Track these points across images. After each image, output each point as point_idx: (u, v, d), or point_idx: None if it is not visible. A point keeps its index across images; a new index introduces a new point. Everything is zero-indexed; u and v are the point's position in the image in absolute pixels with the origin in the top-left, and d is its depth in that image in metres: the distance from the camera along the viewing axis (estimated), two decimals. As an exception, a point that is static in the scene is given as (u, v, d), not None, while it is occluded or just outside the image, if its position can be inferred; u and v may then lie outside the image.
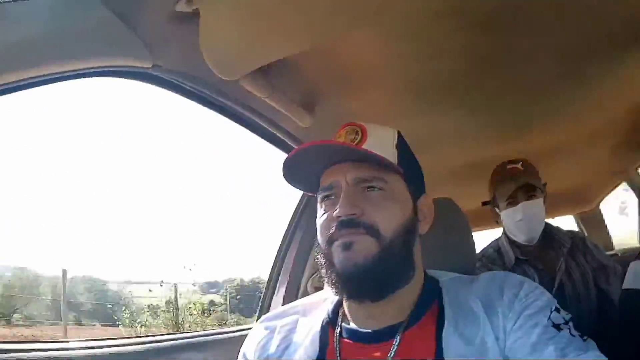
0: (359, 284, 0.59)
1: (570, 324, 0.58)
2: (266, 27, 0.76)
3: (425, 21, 0.83)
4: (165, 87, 0.81)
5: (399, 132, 0.68)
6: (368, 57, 0.95)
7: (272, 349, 0.65)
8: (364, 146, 0.61)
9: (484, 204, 1.42)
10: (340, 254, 0.59)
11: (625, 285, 1.03)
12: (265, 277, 1.38)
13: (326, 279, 0.62)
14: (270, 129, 1.02)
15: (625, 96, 1.32)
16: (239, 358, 0.70)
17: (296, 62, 0.91)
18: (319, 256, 0.64)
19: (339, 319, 0.65)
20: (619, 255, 2.09)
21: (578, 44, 0.96)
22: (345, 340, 0.62)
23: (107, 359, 0.76)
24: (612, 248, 2.32)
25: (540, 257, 1.32)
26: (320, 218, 0.63)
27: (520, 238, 1.32)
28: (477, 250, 1.11)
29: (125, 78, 0.76)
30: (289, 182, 0.66)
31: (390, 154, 0.63)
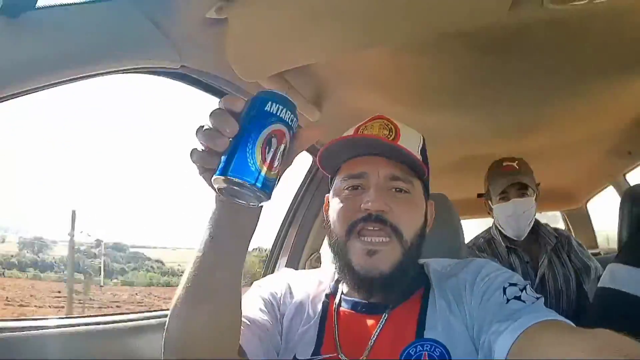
0: (381, 290, 0.63)
1: (525, 290, 0.59)
2: (288, 39, 0.82)
3: (432, 40, 0.89)
4: (190, 84, 0.88)
5: (423, 137, 0.72)
6: (377, 64, 1.01)
7: (287, 297, 0.72)
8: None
9: (479, 195, 1.51)
10: (363, 259, 0.62)
11: (601, 284, 1.05)
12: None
13: (340, 276, 0.69)
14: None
15: (619, 108, 1.38)
16: (257, 284, 0.74)
17: (311, 64, 0.97)
18: (333, 245, 0.67)
19: (339, 291, 0.71)
20: (602, 254, 2.15)
21: (573, 63, 1.02)
22: (343, 309, 0.69)
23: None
24: (596, 246, 2.35)
25: (526, 250, 1.41)
26: (341, 204, 0.65)
27: (508, 232, 1.39)
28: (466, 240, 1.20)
29: (156, 75, 0.83)
30: (321, 166, 0.70)
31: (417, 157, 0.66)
